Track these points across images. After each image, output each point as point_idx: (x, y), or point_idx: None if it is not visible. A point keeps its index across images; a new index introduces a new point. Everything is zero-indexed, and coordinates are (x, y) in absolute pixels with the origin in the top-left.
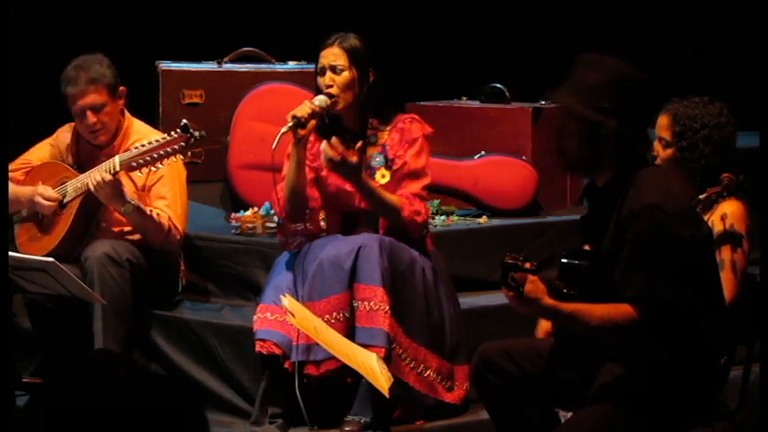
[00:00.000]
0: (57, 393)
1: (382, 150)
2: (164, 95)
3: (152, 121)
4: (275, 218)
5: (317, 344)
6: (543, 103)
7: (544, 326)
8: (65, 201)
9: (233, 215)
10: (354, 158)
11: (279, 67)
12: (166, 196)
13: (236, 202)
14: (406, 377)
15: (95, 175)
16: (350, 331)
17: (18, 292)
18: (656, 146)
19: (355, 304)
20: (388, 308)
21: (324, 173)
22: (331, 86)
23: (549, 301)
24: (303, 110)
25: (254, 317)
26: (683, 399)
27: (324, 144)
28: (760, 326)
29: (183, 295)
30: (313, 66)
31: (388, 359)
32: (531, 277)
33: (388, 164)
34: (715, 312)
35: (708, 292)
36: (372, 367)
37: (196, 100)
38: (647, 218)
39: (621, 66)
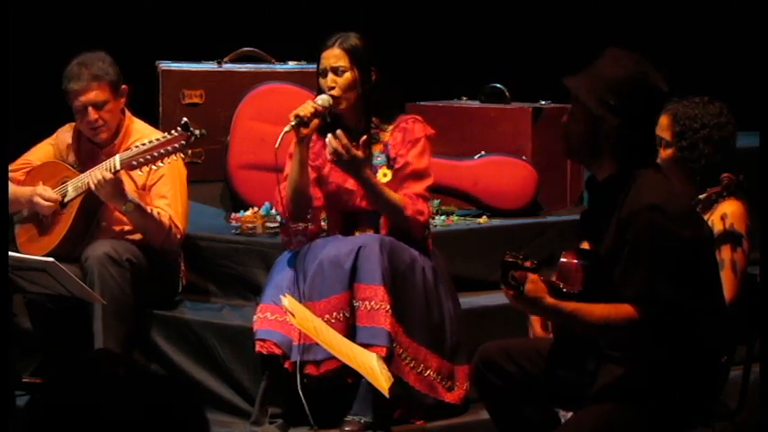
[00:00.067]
0: (57, 393)
1: (384, 149)
2: (164, 95)
3: (152, 120)
4: (278, 217)
5: (317, 344)
6: (543, 103)
7: (537, 326)
8: (65, 200)
9: (233, 215)
10: (359, 152)
11: (279, 67)
12: (167, 195)
13: (236, 202)
14: (407, 377)
15: (96, 174)
16: (350, 331)
17: (18, 292)
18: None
19: (356, 304)
20: (388, 307)
21: (326, 171)
22: (333, 88)
23: (549, 300)
24: (306, 109)
25: (254, 317)
26: (683, 399)
27: (329, 136)
28: (760, 326)
29: (183, 295)
30: (313, 66)
31: (389, 358)
32: (531, 276)
33: (389, 163)
34: (715, 312)
35: (708, 292)
36: (372, 367)
37: (196, 100)
38: (647, 218)
39: (641, 68)
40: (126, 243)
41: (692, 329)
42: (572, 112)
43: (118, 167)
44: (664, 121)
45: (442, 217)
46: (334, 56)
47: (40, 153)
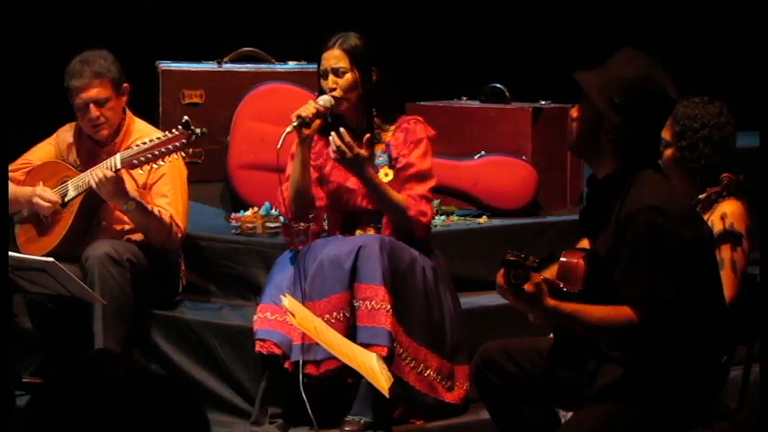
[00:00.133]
0: (57, 393)
1: (386, 149)
2: (164, 95)
3: (152, 120)
4: (280, 218)
5: (318, 344)
6: (543, 103)
7: None
8: (65, 200)
9: (233, 215)
10: (362, 151)
11: (279, 67)
12: (168, 194)
13: (236, 202)
14: (407, 377)
15: (97, 173)
16: (350, 331)
17: (18, 292)
18: None
19: (356, 304)
20: (389, 307)
21: (327, 170)
22: (334, 89)
23: (549, 301)
24: (308, 109)
25: (254, 317)
26: (683, 399)
27: (332, 135)
28: (760, 326)
29: (183, 295)
30: (313, 66)
31: (390, 358)
32: (533, 275)
33: (391, 163)
34: (715, 312)
35: (708, 292)
36: (372, 367)
37: (196, 100)
38: (646, 218)
39: (652, 70)
40: (126, 243)
41: (691, 329)
42: (580, 107)
43: (119, 166)
44: None
45: (442, 217)
46: (334, 57)
47: (41, 153)
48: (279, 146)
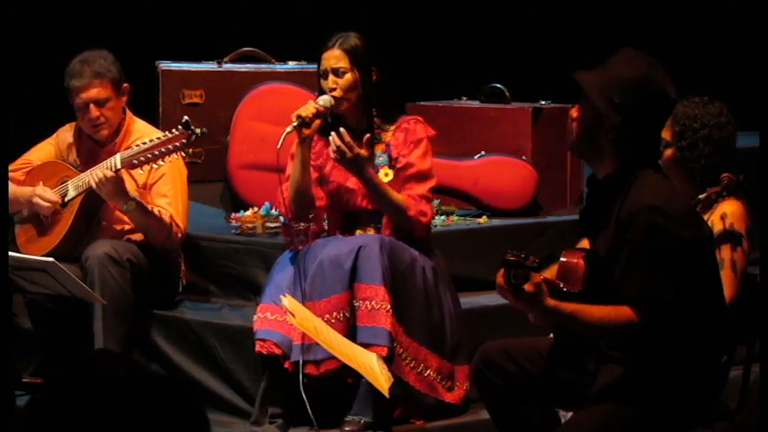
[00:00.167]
0: (57, 393)
1: (386, 149)
2: (164, 95)
3: (152, 120)
4: (281, 218)
5: (318, 343)
6: (543, 103)
7: None
8: (66, 200)
9: (233, 215)
10: (363, 151)
11: (279, 67)
12: (168, 194)
13: (236, 202)
14: (407, 377)
15: (97, 173)
16: (350, 331)
17: (18, 292)
18: None
19: (356, 304)
20: (389, 307)
21: (327, 170)
22: (334, 89)
23: (549, 301)
24: (308, 110)
25: (254, 317)
26: (683, 399)
27: (333, 135)
28: (760, 326)
29: (183, 295)
30: (313, 66)
31: (390, 358)
32: (533, 275)
33: (391, 163)
34: (715, 312)
35: (708, 292)
36: (372, 367)
37: (196, 100)
38: (646, 219)
39: (652, 70)
40: (126, 243)
41: (691, 330)
42: (580, 107)
43: (119, 166)
44: None
45: (442, 217)
46: (334, 57)
47: (41, 153)
48: (279, 146)
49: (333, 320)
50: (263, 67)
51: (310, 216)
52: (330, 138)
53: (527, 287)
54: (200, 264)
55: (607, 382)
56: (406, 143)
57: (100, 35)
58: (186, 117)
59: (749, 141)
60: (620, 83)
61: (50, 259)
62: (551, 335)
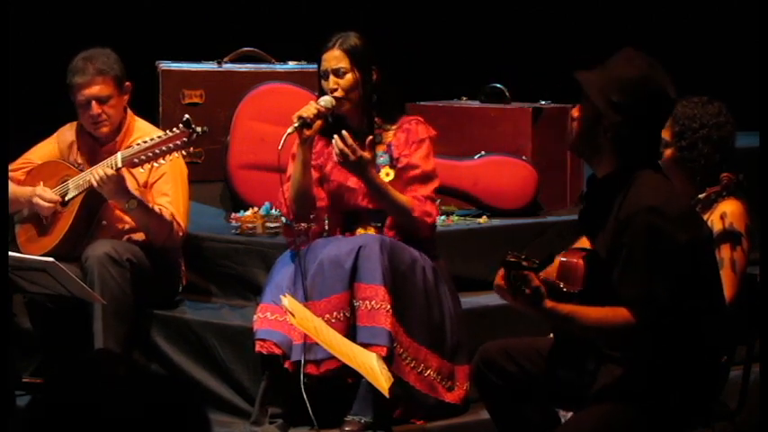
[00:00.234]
0: (57, 393)
1: (387, 150)
2: (164, 95)
3: (152, 120)
4: (282, 218)
5: (318, 343)
6: (543, 103)
7: None
8: (66, 199)
9: (233, 215)
10: (366, 153)
11: (279, 67)
12: (168, 193)
13: (236, 202)
14: (407, 377)
15: (99, 171)
16: (350, 331)
17: (18, 292)
18: None
19: (356, 303)
20: (389, 307)
21: (328, 170)
22: (335, 90)
23: (547, 303)
24: (309, 110)
25: (254, 317)
26: (683, 399)
27: (335, 138)
28: (760, 326)
29: (183, 295)
30: (313, 66)
31: (389, 358)
32: (532, 276)
33: (392, 163)
34: (715, 312)
35: (708, 292)
36: (372, 367)
37: (196, 100)
38: (645, 220)
39: (652, 70)
40: (126, 243)
41: (691, 330)
42: (580, 106)
43: (119, 165)
44: None
45: (442, 217)
46: (334, 57)
47: (42, 152)
48: (280, 147)
49: (333, 320)
50: (263, 67)
51: (311, 216)
52: (333, 141)
53: (526, 288)
54: (200, 264)
55: (607, 382)
56: (407, 144)
57: (100, 35)
58: (187, 115)
59: (749, 141)
60: (620, 82)
61: (50, 259)
62: (551, 335)
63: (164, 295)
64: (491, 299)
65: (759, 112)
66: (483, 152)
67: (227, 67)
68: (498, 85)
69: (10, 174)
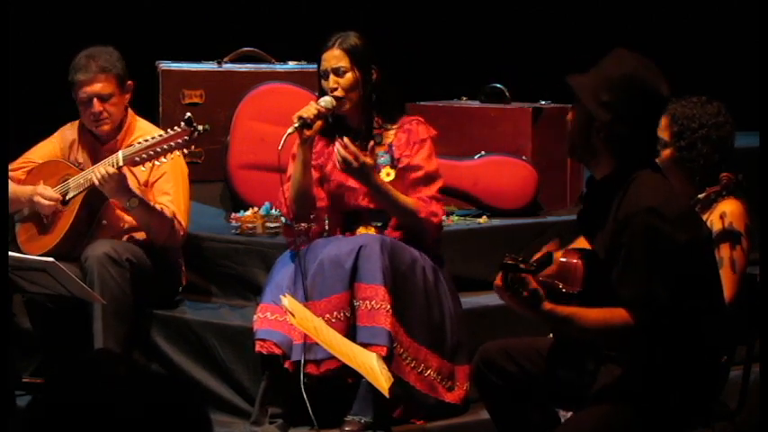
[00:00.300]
0: (57, 393)
1: (388, 150)
2: (164, 95)
3: (152, 120)
4: (282, 218)
5: (318, 343)
6: (543, 103)
7: None
8: (67, 198)
9: (233, 215)
10: (368, 159)
11: (279, 67)
12: (169, 192)
13: (236, 202)
14: (407, 377)
15: (100, 169)
16: (350, 331)
17: (18, 292)
18: None
19: (356, 303)
20: (389, 307)
21: (328, 169)
22: (336, 89)
23: (546, 305)
24: (309, 111)
25: (255, 317)
26: (682, 399)
27: (337, 144)
28: (760, 326)
29: (183, 295)
30: (313, 66)
31: (389, 358)
32: (530, 279)
33: (393, 163)
34: (715, 313)
35: (707, 292)
36: (372, 367)
37: (196, 100)
38: (643, 221)
39: (641, 69)
40: (126, 243)
41: (691, 330)
42: (573, 109)
43: (121, 163)
44: (662, 121)
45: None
46: (334, 57)
47: (42, 151)
48: (280, 147)
49: (333, 320)
50: (263, 67)
51: (311, 216)
52: (335, 148)
53: (524, 291)
54: (200, 264)
55: (607, 382)
56: (408, 144)
57: (100, 35)
58: (189, 113)
59: (749, 141)
60: (609, 82)
61: (50, 259)
62: (551, 335)
63: (164, 295)
64: (491, 299)
65: (759, 112)
66: (483, 152)
67: (227, 67)
68: (498, 85)
69: (10, 173)
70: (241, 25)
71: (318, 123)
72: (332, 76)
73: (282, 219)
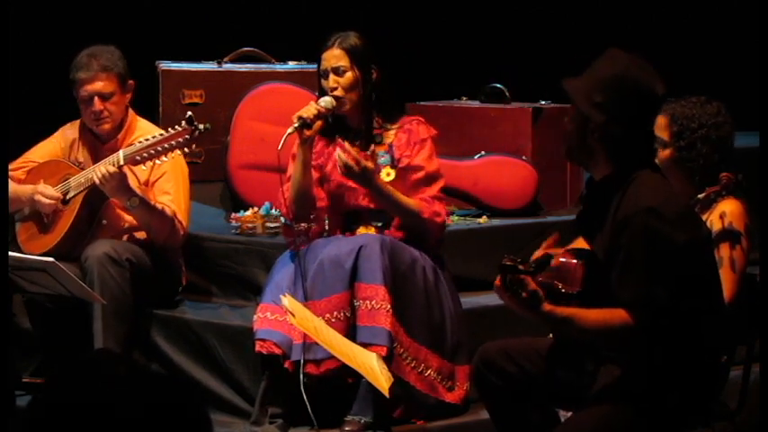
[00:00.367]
0: (57, 393)
1: (389, 150)
2: (164, 95)
3: (152, 120)
4: (282, 218)
5: (318, 343)
6: (543, 103)
7: None
8: (67, 197)
9: (233, 215)
10: (369, 163)
11: (279, 67)
12: (170, 191)
13: (236, 202)
14: (407, 377)
15: (101, 168)
16: (350, 331)
17: (18, 292)
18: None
19: (356, 303)
20: (389, 307)
21: (328, 169)
22: (335, 89)
23: (545, 306)
24: (309, 111)
25: (254, 317)
26: (682, 399)
27: (338, 150)
28: (760, 326)
29: (183, 295)
30: (313, 66)
31: (389, 358)
32: (528, 280)
33: (393, 163)
34: (714, 313)
35: (707, 292)
36: (372, 367)
37: (196, 100)
38: (642, 221)
39: (634, 68)
40: (126, 243)
41: (690, 330)
42: (569, 113)
43: (122, 162)
44: (661, 121)
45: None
46: (334, 56)
47: (43, 151)
48: (279, 147)
49: (333, 320)
50: (263, 67)
51: (311, 217)
52: (335, 154)
53: (523, 292)
54: (200, 264)
55: (606, 382)
56: (409, 145)
57: (100, 35)
58: (190, 112)
59: (748, 141)
60: (602, 83)
61: (50, 259)
62: (551, 335)
63: (164, 295)
64: (491, 299)
65: (759, 112)
66: (483, 152)
67: (227, 67)
68: (498, 85)
69: (10, 173)
70: (241, 25)
71: (318, 123)
72: (332, 76)
73: (282, 219)
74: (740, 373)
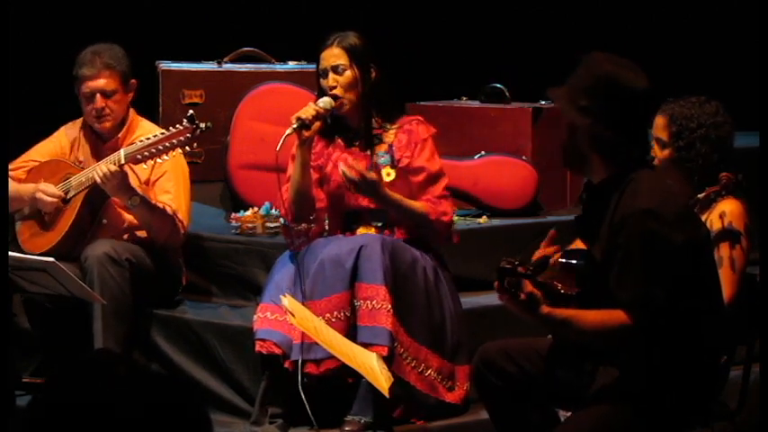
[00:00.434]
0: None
1: (389, 150)
2: (164, 95)
3: (152, 120)
4: (281, 219)
5: (317, 343)
6: (543, 103)
7: None
8: (68, 196)
9: (233, 215)
10: (373, 175)
11: (279, 67)
12: (170, 190)
13: (236, 202)
14: (407, 376)
15: (102, 167)
16: (350, 330)
17: (18, 292)
18: (654, 146)
19: (357, 303)
20: (390, 306)
21: (328, 170)
22: (334, 87)
23: (543, 308)
24: (308, 112)
25: (254, 317)
26: (682, 399)
27: (341, 165)
28: (760, 326)
29: (183, 295)
30: (313, 66)
31: (390, 358)
32: (526, 283)
33: (393, 163)
34: (714, 313)
35: (706, 292)
36: (372, 367)
37: (196, 100)
38: (640, 222)
39: (616, 68)
40: (126, 243)
41: (689, 330)
42: (561, 121)
43: (123, 161)
44: (660, 121)
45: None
46: (333, 55)
47: (43, 150)
48: (278, 148)
49: (333, 320)
50: (263, 67)
51: (311, 217)
52: (339, 171)
53: (521, 295)
54: (200, 264)
55: (606, 382)
56: (409, 145)
57: (100, 35)
58: (191, 111)
59: (748, 141)
60: (583, 86)
61: (50, 259)
62: (550, 335)
63: (164, 295)
64: (491, 299)
65: (759, 112)
66: (483, 152)
67: (227, 67)
68: (498, 85)
69: (11, 172)
70: (241, 25)
71: (317, 124)
72: (331, 75)
73: (281, 220)
74: (740, 373)
